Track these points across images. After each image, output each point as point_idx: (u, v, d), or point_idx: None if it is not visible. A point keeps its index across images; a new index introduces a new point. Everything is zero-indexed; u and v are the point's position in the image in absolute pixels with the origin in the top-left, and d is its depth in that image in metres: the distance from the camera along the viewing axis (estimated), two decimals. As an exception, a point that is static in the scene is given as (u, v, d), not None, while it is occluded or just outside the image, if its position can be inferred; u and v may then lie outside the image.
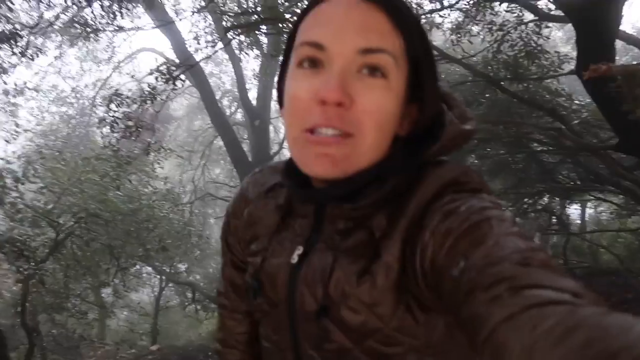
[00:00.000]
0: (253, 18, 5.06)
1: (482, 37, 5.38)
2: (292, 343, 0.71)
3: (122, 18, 5.70)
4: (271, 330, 0.76)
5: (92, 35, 6.35)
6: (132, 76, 7.30)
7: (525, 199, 7.08)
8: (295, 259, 0.69)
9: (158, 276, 11.31)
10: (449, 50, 5.31)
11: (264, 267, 0.73)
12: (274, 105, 12.60)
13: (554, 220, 7.69)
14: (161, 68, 5.31)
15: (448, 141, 0.66)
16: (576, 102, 5.40)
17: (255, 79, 11.04)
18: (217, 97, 11.30)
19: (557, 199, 7.72)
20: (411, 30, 0.63)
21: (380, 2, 0.61)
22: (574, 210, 9.49)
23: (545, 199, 7.55)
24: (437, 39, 7.18)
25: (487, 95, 5.53)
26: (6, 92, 7.97)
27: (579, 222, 9.91)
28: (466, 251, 0.51)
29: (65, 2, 4.28)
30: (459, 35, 5.09)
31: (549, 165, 6.67)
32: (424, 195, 0.62)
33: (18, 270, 5.57)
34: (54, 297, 6.74)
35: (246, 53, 6.23)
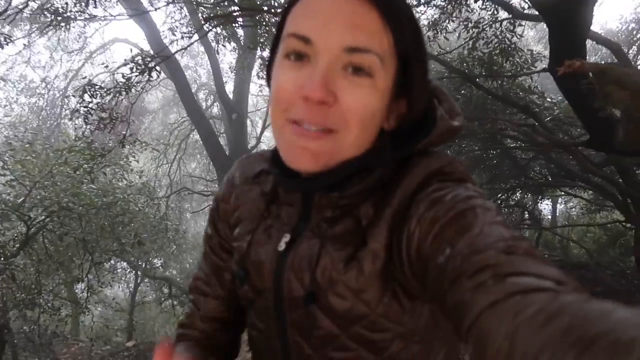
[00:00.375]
0: (230, 9, 5.00)
1: (457, 34, 5.45)
2: (279, 330, 0.72)
3: (95, 7, 5.56)
4: (257, 318, 0.76)
5: (62, 24, 6.18)
6: (106, 66, 7.13)
7: (499, 195, 7.22)
8: (282, 246, 0.70)
9: (133, 271, 11.14)
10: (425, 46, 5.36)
11: (250, 255, 0.73)
12: (251, 99, 12.52)
13: (527, 216, 7.88)
14: (136, 59, 5.21)
15: (436, 137, 0.66)
16: (548, 99, 5.53)
17: (232, 72, 10.93)
18: (193, 90, 11.15)
19: (529, 194, 7.91)
20: (402, 26, 0.61)
21: None
22: (545, 206, 9.73)
23: (518, 194, 7.72)
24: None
25: (462, 91, 5.62)
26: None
27: (550, 217, 10.16)
28: (452, 239, 0.52)
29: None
30: (435, 32, 5.14)
31: (522, 161, 6.82)
32: (410, 184, 0.63)
33: (-13, 266, 5.41)
34: (26, 292, 6.56)
35: (223, 45, 6.16)
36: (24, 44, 9.83)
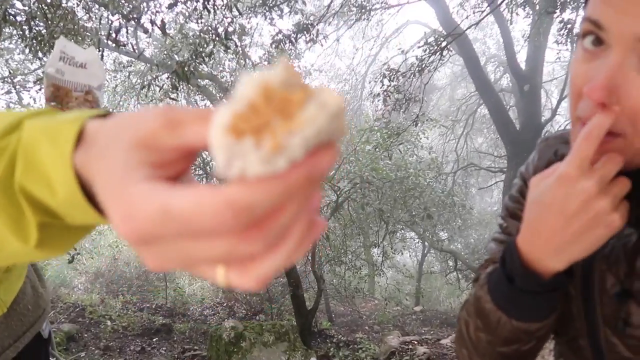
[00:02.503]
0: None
1: None
2: (588, 327, 0.67)
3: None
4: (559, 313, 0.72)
5: (365, 16, 6.86)
6: (401, 50, 7.65)
7: None
8: None
9: (421, 242, 11.79)
10: None
11: None
12: (546, 67, 11.39)
13: None
14: (429, 39, 5.42)
15: None
16: None
17: (524, 40, 10.15)
18: (482, 63, 10.86)
19: None
20: None
21: None
22: None
23: None
24: None
25: None
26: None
27: None
28: None
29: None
30: None
31: None
32: None
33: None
34: (335, 251, 7.77)
35: (516, 13, 5.79)
36: (336, 39, 11.36)
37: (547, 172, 0.59)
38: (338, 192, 7.37)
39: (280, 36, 4.40)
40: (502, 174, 10.74)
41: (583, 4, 0.63)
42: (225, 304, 8.86)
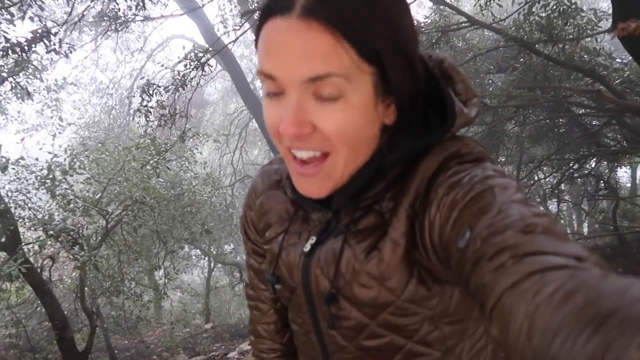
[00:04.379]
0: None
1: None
2: (314, 324, 0.76)
3: (145, 9, 5.77)
4: (294, 314, 0.81)
5: (122, 27, 6.47)
6: (162, 65, 7.44)
7: (571, 164, 6.81)
8: (307, 247, 0.73)
9: (206, 258, 11.66)
10: (477, 15, 5.10)
11: (281, 255, 0.77)
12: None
13: (602, 185, 7.39)
14: (190, 55, 5.39)
15: (453, 129, 0.65)
16: (618, 60, 5.09)
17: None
18: (249, 79, 11.36)
19: (605, 162, 7.39)
20: (363, 32, 0.57)
21: (319, 16, 0.56)
22: (623, 174, 9.06)
23: (592, 163, 7.24)
24: (466, 3, 6.92)
25: (521, 59, 5.30)
26: (48, 89, 8.30)
27: (629, 185, 9.45)
28: (471, 222, 0.52)
29: (92, -2, 4.40)
30: (486, 0, 4.86)
31: (593, 128, 6.37)
32: (426, 171, 0.63)
33: (74, 258, 5.89)
34: (110, 281, 7.10)
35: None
36: (92, 49, 10.41)
37: None
38: (107, 217, 6.78)
39: (7, 44, 3.78)
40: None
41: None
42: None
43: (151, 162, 6.40)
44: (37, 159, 6.25)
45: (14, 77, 4.72)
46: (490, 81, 6.74)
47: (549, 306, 0.37)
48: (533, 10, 4.59)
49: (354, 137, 0.61)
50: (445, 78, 0.68)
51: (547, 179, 7.87)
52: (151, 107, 5.29)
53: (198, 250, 11.01)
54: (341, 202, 0.68)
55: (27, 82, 5.94)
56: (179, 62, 5.44)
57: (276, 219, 0.80)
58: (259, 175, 0.88)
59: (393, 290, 0.65)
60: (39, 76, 6.11)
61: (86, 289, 6.47)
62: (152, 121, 5.64)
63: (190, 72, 5.29)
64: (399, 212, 0.64)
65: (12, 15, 4.11)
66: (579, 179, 7.33)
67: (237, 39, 5.73)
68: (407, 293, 0.65)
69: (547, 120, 6.23)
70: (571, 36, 4.59)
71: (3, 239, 5.53)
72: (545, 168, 7.60)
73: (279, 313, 0.94)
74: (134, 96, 6.52)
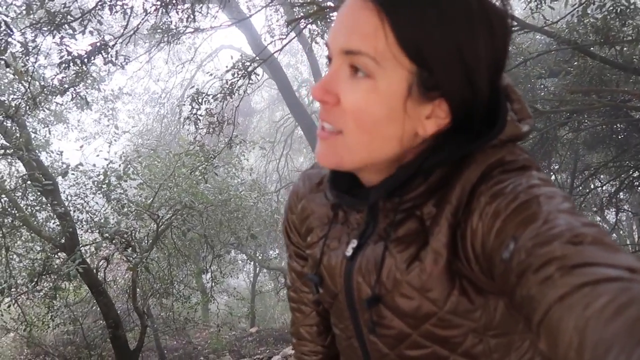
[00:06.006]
0: (314, 8, 5.08)
1: (564, 1, 4.97)
2: (356, 330, 0.76)
3: (195, 21, 5.97)
4: (336, 319, 0.81)
5: (173, 39, 6.72)
6: (211, 75, 7.68)
7: (631, 172, 6.46)
8: (349, 251, 0.72)
9: (251, 263, 11.82)
10: (528, 18, 4.97)
11: (323, 261, 0.77)
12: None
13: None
14: (237, 64, 5.53)
15: (500, 141, 0.63)
16: (681, 61, 4.81)
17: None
18: (295, 87, 11.52)
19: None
20: (410, 21, 0.56)
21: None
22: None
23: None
24: (517, 7, 6.75)
25: (575, 62, 5.10)
26: (105, 98, 8.76)
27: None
28: (515, 232, 0.51)
29: (145, 12, 4.61)
30: (537, 2, 4.71)
31: (655, 133, 6.02)
32: (469, 179, 0.61)
33: (127, 259, 6.15)
34: (160, 282, 7.33)
35: (316, 42, 6.28)
36: (146, 61, 10.88)
37: None
38: (158, 221, 7.03)
39: (69, 57, 4.02)
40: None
41: None
42: (31, 361, 7.67)
43: (200, 168, 6.59)
44: (94, 165, 6.60)
45: (75, 87, 5.02)
46: (542, 85, 6.52)
47: (600, 320, 0.36)
48: (587, 11, 4.41)
49: (368, 123, 0.61)
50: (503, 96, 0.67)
51: (604, 187, 7.51)
52: (200, 115, 5.47)
53: (244, 255, 11.18)
54: (377, 196, 0.66)
55: (86, 92, 6.31)
56: (227, 71, 5.58)
57: (317, 223, 0.80)
58: (300, 178, 0.88)
59: (435, 302, 0.64)
60: (97, 87, 6.47)
61: (138, 290, 6.72)
62: (201, 129, 5.83)
63: (237, 80, 5.43)
64: (441, 220, 0.62)
65: (73, 29, 4.38)
66: (639, 188, 6.95)
67: (282, 47, 5.83)
68: (450, 304, 0.64)
69: (604, 126, 5.95)
70: (630, 37, 4.37)
71: (63, 240, 5.86)
72: (602, 176, 7.25)
73: (321, 315, 0.95)
74: (184, 105, 6.76)
